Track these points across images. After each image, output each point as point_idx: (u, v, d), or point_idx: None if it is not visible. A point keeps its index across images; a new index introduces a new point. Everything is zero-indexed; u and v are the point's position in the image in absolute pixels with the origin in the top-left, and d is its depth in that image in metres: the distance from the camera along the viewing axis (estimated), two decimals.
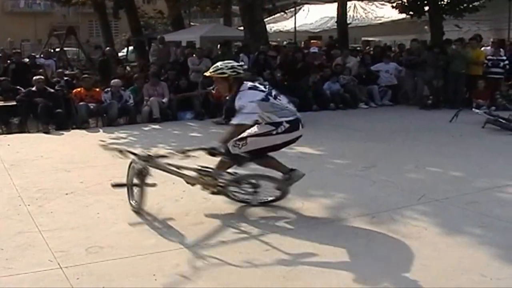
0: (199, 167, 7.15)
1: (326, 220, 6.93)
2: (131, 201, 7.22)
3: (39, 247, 5.98)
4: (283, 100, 7.09)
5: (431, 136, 12.46)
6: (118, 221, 6.82)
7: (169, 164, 7.14)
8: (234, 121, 6.84)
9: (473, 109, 14.51)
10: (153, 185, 7.06)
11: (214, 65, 7.13)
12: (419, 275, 5.23)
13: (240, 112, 6.76)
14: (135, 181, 7.06)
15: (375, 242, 6.16)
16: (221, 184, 7.10)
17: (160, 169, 7.14)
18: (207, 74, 7.23)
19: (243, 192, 7.19)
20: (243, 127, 6.82)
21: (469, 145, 11.55)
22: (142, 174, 6.93)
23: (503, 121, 13.00)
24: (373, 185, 8.48)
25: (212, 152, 6.82)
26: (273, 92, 7.06)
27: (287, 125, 6.88)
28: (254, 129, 6.88)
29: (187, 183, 7.29)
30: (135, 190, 7.13)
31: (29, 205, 7.48)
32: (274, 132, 6.87)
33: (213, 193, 7.25)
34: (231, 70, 6.90)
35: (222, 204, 7.37)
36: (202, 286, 5.06)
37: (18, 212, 7.18)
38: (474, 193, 7.92)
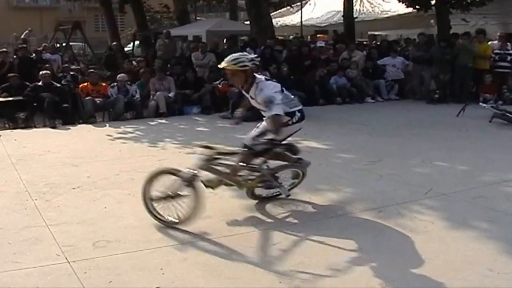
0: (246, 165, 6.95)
1: (333, 214, 6.93)
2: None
3: (46, 241, 5.99)
4: (289, 92, 7.14)
5: (437, 131, 12.44)
6: (126, 216, 6.83)
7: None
8: (273, 111, 6.58)
9: (480, 103, 14.48)
10: None
11: (231, 57, 6.78)
12: (426, 268, 5.23)
13: (272, 103, 6.58)
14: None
15: (382, 236, 6.16)
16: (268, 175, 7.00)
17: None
18: (223, 66, 6.84)
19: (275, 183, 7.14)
20: (282, 117, 6.69)
21: (476, 139, 11.52)
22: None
23: (510, 115, 12.95)
24: (379, 179, 8.48)
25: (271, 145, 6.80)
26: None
27: (299, 114, 6.97)
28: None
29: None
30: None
31: (36, 199, 7.50)
32: (290, 122, 6.93)
33: (252, 189, 7.14)
34: (251, 62, 6.76)
35: (229, 198, 7.38)
36: (209, 280, 5.07)
37: (25, 207, 7.19)
38: (481, 187, 7.90)
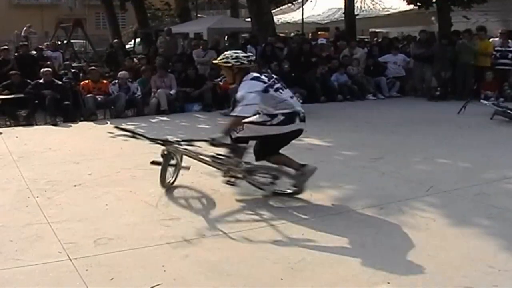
0: (216, 154, 7.33)
1: (335, 211, 6.94)
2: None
3: (48, 239, 6.00)
4: (285, 93, 7.11)
5: (439, 128, 12.44)
6: (127, 213, 6.84)
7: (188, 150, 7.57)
8: (234, 112, 6.96)
9: (481, 101, 14.49)
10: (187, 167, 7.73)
11: (223, 54, 7.30)
12: (427, 265, 5.23)
13: (240, 103, 6.82)
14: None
15: (383, 233, 6.16)
16: (242, 170, 7.25)
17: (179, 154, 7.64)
18: (214, 62, 7.48)
19: (261, 180, 7.31)
20: (242, 119, 6.88)
21: (477, 136, 11.53)
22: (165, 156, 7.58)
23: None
24: (381, 176, 8.48)
25: (212, 143, 6.94)
26: (276, 85, 7.08)
27: (281, 118, 6.94)
28: (252, 117, 6.99)
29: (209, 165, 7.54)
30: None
31: (38, 197, 7.50)
32: (268, 123, 6.97)
33: (230, 177, 7.38)
34: (235, 60, 7.06)
35: (231, 195, 7.39)
36: (210, 277, 5.07)
37: (27, 204, 7.20)
38: (482, 185, 7.90)
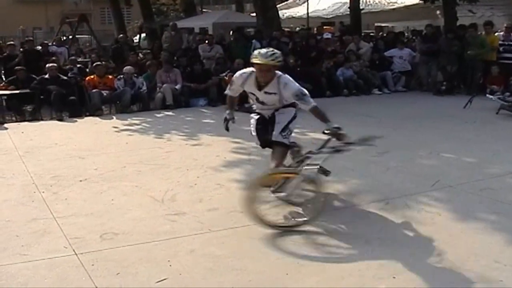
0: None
1: (340, 206, 6.94)
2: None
3: (54, 234, 6.01)
4: None
5: (444, 122, 12.42)
6: (133, 208, 6.85)
7: None
8: (312, 103, 6.61)
9: (487, 95, 14.43)
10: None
11: (267, 52, 6.66)
12: (433, 260, 5.23)
13: (306, 95, 6.62)
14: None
15: (389, 228, 6.16)
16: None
17: None
18: (262, 61, 6.58)
19: None
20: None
21: (483, 131, 11.50)
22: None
23: None
24: (387, 171, 8.47)
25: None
26: None
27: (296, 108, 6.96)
28: (287, 116, 6.93)
29: None
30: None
31: (43, 192, 7.52)
32: (297, 114, 6.98)
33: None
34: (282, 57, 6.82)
35: (236, 190, 7.38)
36: (216, 272, 5.08)
37: (33, 199, 7.22)
38: (488, 179, 7.89)
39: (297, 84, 6.70)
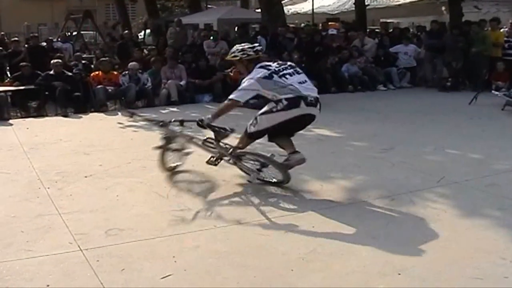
0: (208, 138, 7.78)
1: (345, 202, 6.93)
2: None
3: (59, 230, 6.01)
4: (292, 79, 7.15)
5: (450, 118, 12.39)
6: (138, 204, 6.85)
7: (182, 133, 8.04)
8: (230, 96, 7.22)
9: (492, 91, 14.40)
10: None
11: (232, 49, 7.57)
12: (438, 256, 5.21)
13: (238, 88, 7.14)
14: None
15: (394, 224, 6.15)
16: (231, 155, 7.52)
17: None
18: (227, 58, 7.78)
19: (248, 166, 7.50)
20: (237, 104, 7.19)
21: (489, 127, 11.47)
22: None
23: None
24: (392, 167, 8.46)
25: (200, 124, 7.41)
26: (285, 71, 7.19)
27: (285, 102, 6.96)
28: (264, 108, 7.11)
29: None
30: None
31: (48, 188, 7.52)
32: (274, 110, 7.01)
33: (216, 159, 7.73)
34: (241, 52, 7.35)
35: (240, 187, 7.39)
36: (221, 268, 5.07)
37: (37, 195, 7.22)
38: (493, 175, 7.86)
39: (249, 77, 7.13)
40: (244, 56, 7.32)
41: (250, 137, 7.39)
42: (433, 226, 6.03)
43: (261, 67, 7.19)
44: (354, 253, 5.36)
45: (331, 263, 5.14)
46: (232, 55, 7.44)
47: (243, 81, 7.21)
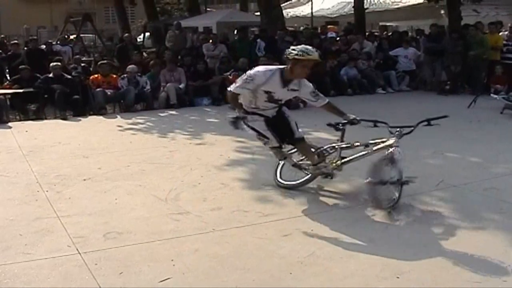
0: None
1: (344, 205, 6.93)
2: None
3: (57, 233, 6.01)
4: None
5: (449, 122, 12.25)
6: (136, 207, 6.85)
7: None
8: (325, 99, 7.41)
9: (491, 95, 14.41)
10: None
11: (313, 48, 6.90)
12: (436, 260, 5.22)
13: (317, 94, 7.26)
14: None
15: (393, 227, 6.15)
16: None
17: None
18: (317, 58, 6.90)
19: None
20: None
21: (488, 130, 11.48)
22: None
23: None
24: None
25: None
26: None
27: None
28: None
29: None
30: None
31: (47, 191, 7.52)
32: None
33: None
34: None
35: (240, 189, 7.40)
36: (219, 271, 5.07)
37: (36, 198, 7.22)
38: (492, 179, 7.87)
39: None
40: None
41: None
42: (432, 229, 6.04)
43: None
44: (352, 257, 5.36)
45: (330, 267, 5.14)
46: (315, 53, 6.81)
47: (310, 86, 7.10)
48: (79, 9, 44.83)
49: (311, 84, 6.99)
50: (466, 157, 9.23)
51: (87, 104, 14.55)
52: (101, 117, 13.84)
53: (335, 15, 29.12)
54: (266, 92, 6.88)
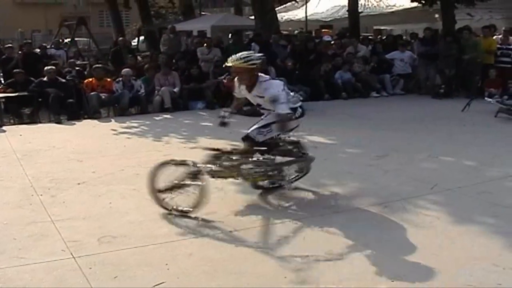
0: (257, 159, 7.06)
1: (338, 209, 6.92)
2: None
3: (51, 237, 6.00)
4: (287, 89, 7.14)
5: (443, 125, 12.41)
6: (130, 211, 6.84)
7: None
8: (284, 110, 6.65)
9: (486, 98, 14.44)
10: None
11: (241, 55, 6.76)
12: (431, 263, 5.21)
13: (278, 101, 6.63)
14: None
15: (387, 231, 6.15)
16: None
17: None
18: (233, 64, 6.76)
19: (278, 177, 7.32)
20: (290, 115, 6.79)
21: (482, 134, 11.50)
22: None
23: None
24: (385, 174, 8.46)
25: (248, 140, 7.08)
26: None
27: (300, 110, 7.03)
28: (272, 118, 6.98)
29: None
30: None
31: (41, 195, 7.51)
32: (293, 117, 6.93)
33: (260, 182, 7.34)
34: (259, 60, 6.83)
35: (234, 194, 7.38)
36: (214, 275, 5.07)
37: (30, 202, 7.21)
38: (486, 183, 7.88)
39: (276, 90, 6.70)
40: (260, 64, 6.89)
41: (259, 146, 7.06)
42: (426, 233, 6.04)
43: (272, 78, 7.16)
44: (347, 261, 5.36)
45: (324, 271, 5.14)
46: (251, 62, 6.68)
47: (273, 93, 6.65)
48: (74, 12, 44.83)
49: (274, 92, 6.66)
50: (460, 160, 9.24)
51: (81, 108, 14.54)
52: (95, 121, 13.82)
53: (329, 19, 29.15)
54: (246, 98, 7.16)
